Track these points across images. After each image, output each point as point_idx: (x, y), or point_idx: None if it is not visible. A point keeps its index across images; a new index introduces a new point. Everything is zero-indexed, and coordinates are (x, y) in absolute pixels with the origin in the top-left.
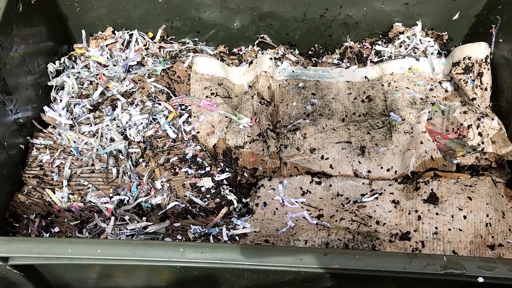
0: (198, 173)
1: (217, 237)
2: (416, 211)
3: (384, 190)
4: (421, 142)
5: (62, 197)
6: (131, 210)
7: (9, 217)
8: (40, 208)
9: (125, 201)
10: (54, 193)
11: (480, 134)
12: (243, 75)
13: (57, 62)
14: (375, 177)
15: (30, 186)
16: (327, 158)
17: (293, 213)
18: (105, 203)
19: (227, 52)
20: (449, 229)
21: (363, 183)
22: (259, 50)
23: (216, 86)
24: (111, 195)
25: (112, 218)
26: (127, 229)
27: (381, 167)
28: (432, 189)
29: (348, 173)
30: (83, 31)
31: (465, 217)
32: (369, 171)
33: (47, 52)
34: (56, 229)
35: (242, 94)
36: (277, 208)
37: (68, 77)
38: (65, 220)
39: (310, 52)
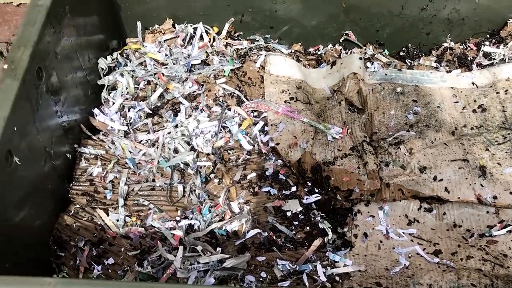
0: (283, 193)
1: (311, 276)
2: None
3: None
4: None
5: (118, 220)
6: (203, 238)
7: (53, 244)
8: (91, 233)
9: (195, 227)
10: (108, 215)
11: None
12: (323, 78)
13: (109, 58)
14: (503, 205)
15: (78, 206)
16: (441, 180)
17: (403, 248)
18: (171, 228)
19: (303, 52)
20: None
21: (487, 212)
22: (341, 49)
23: (294, 89)
24: (177, 218)
25: (180, 248)
26: (199, 262)
27: (510, 192)
28: None
29: (469, 198)
30: (139, 23)
31: None
32: (494, 197)
33: (97, 45)
34: (111, 261)
35: (323, 100)
36: (381, 241)
37: (122, 75)
38: (122, 249)
39: (402, 53)
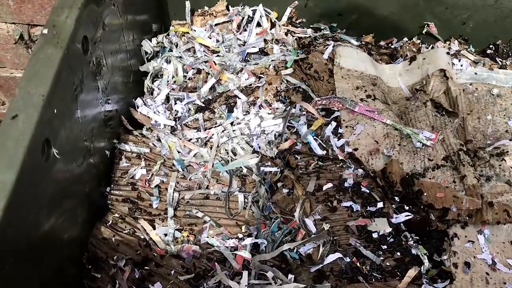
0: (367, 210)
1: None
2: None
3: None
4: None
5: (166, 235)
6: (271, 262)
7: (87, 262)
8: (133, 251)
9: (262, 247)
10: (154, 228)
11: None
12: (399, 75)
13: (154, 40)
14: None
15: (117, 215)
16: None
17: None
18: (233, 248)
19: (375, 45)
20: None
21: None
22: (420, 43)
23: (371, 86)
24: (240, 235)
25: (244, 273)
26: None
27: None
28: None
29: None
30: (187, 3)
31: None
32: None
33: (141, 25)
34: (158, 286)
35: (402, 100)
36: (487, 273)
37: (168, 61)
38: (171, 271)
39: (489, 51)
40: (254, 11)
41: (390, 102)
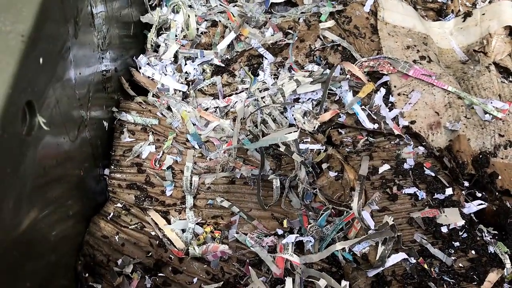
0: (434, 198)
1: None
2: None
3: None
4: None
5: (184, 231)
6: (319, 265)
7: (83, 270)
8: (143, 252)
9: (308, 247)
10: (169, 222)
11: None
12: (450, 34)
13: None
14: None
15: (120, 205)
16: None
17: None
18: (270, 247)
19: None
20: None
21: None
22: None
23: (423, 46)
24: (279, 231)
25: (288, 280)
26: None
27: None
28: None
29: None
30: None
31: None
32: None
33: None
34: None
35: (456, 63)
36: None
37: (177, 11)
38: (194, 279)
39: None
40: None
41: (443, 66)
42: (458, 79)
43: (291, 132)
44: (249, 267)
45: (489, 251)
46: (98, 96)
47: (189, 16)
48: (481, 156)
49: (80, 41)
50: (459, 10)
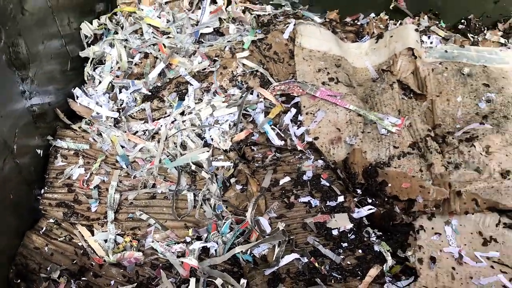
0: (327, 205)
1: None
2: None
3: None
4: None
5: (106, 241)
6: (222, 266)
7: (15, 277)
8: (69, 260)
9: (212, 250)
10: (93, 234)
11: None
12: (365, 54)
13: (95, 22)
14: None
15: (52, 221)
16: None
17: (484, 278)
18: (179, 253)
19: (340, 22)
20: None
21: None
22: (388, 19)
23: (334, 68)
24: (188, 238)
25: (192, 280)
26: None
27: None
28: None
29: None
30: None
31: None
32: None
33: (80, 6)
34: None
35: (368, 82)
36: (453, 268)
37: (112, 45)
38: (111, 282)
39: (460, 26)
40: None
41: (355, 84)
42: (367, 96)
43: (203, 152)
44: (161, 270)
45: (374, 250)
46: (28, 128)
47: (121, 51)
48: (370, 167)
49: (1, 87)
50: (373, 32)
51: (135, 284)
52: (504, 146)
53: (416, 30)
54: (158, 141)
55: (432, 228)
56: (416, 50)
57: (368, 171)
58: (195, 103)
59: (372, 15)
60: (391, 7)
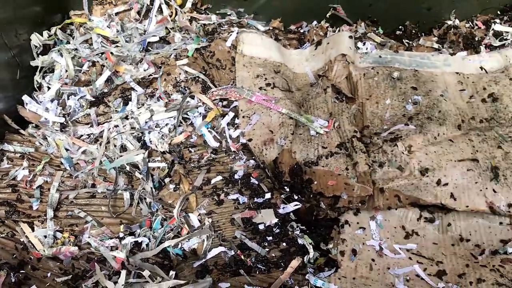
0: (254, 202)
1: None
2: None
3: None
4: None
5: (45, 237)
6: (153, 259)
7: None
8: (9, 254)
9: (144, 245)
10: (33, 230)
11: None
12: (306, 60)
13: (45, 33)
14: None
15: None
16: (446, 184)
17: (399, 268)
18: (112, 247)
19: (283, 30)
20: None
21: (501, 223)
22: (328, 27)
23: (272, 74)
24: (121, 234)
25: (123, 272)
26: None
27: None
28: None
29: (480, 207)
30: None
31: None
32: (509, 205)
33: (30, 18)
34: None
35: (306, 86)
36: (373, 260)
37: (61, 55)
38: (48, 274)
39: (398, 32)
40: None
41: (294, 89)
42: (303, 100)
43: (138, 154)
44: (95, 263)
45: (298, 243)
46: None
47: (67, 60)
48: (295, 166)
49: None
50: (313, 39)
51: (70, 276)
52: (425, 145)
53: (350, 37)
54: (100, 144)
55: (358, 223)
56: (348, 56)
57: (293, 170)
58: (138, 108)
59: (315, 23)
60: (327, 15)
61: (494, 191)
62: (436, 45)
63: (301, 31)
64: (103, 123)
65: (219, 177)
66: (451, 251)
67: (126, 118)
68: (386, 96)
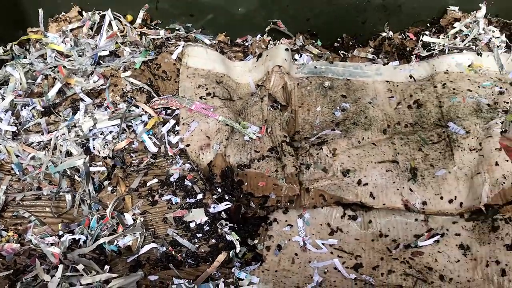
0: (186, 202)
1: None
2: (498, 262)
3: (447, 230)
4: (497, 164)
5: None
6: (89, 255)
7: None
8: None
9: (81, 242)
10: None
11: None
12: (249, 71)
13: (0, 49)
14: (432, 211)
15: None
16: (366, 184)
17: (319, 262)
18: (52, 244)
19: (229, 43)
20: None
21: (416, 220)
22: (270, 40)
23: (213, 84)
24: (61, 232)
25: (60, 266)
26: (80, 284)
27: (441, 197)
28: None
29: (396, 205)
30: (40, 11)
31: None
32: (424, 203)
33: None
34: None
35: (247, 96)
36: (296, 254)
37: (14, 68)
38: None
39: (336, 44)
40: (103, 16)
41: (235, 98)
42: (243, 108)
43: (79, 159)
44: (36, 259)
45: (226, 239)
46: None
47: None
48: (226, 169)
49: None
50: (255, 52)
51: (12, 271)
52: (349, 148)
53: (287, 49)
54: (48, 151)
55: (286, 221)
56: (283, 67)
57: (224, 172)
58: (84, 117)
59: (259, 36)
60: (266, 29)
61: (411, 190)
62: (370, 56)
63: (246, 44)
64: (53, 132)
65: (155, 180)
66: (370, 246)
67: (75, 126)
68: (317, 103)
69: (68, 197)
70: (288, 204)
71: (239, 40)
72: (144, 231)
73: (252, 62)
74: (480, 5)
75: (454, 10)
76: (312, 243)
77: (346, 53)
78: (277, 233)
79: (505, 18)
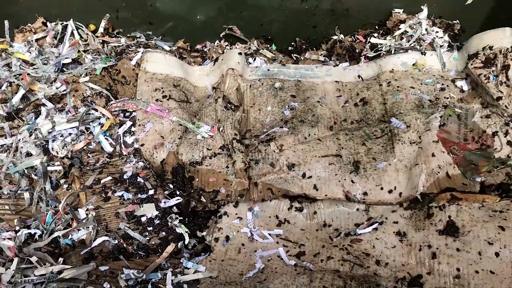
0: (138, 198)
1: (157, 286)
2: (430, 246)
3: (386, 218)
4: (433, 155)
5: None
6: (44, 249)
7: None
8: None
9: (37, 236)
10: None
11: (509, 143)
12: (207, 75)
13: None
14: (373, 201)
15: None
16: (310, 177)
17: (264, 251)
18: (9, 239)
19: (188, 49)
20: (476, 271)
21: (357, 209)
22: (227, 45)
23: (170, 87)
24: (17, 227)
25: (15, 259)
26: (34, 275)
27: (381, 188)
28: (449, 216)
29: (337, 196)
30: (6, 22)
31: (497, 254)
32: (365, 193)
33: None
34: None
35: (204, 98)
36: (243, 244)
37: None
38: None
39: (290, 48)
40: (66, 26)
41: (193, 100)
42: (199, 109)
43: (36, 159)
44: None
45: (176, 232)
46: None
47: None
48: (177, 166)
49: None
50: (213, 57)
51: None
52: (295, 144)
53: (240, 53)
54: (9, 152)
55: (236, 214)
56: (236, 70)
57: (175, 169)
58: (44, 121)
59: (217, 42)
60: (221, 35)
61: (352, 182)
62: (322, 58)
63: (205, 50)
64: (16, 135)
65: (109, 178)
66: (314, 235)
67: (36, 130)
68: (268, 103)
69: (27, 195)
70: (239, 198)
71: (198, 46)
72: (96, 225)
73: (210, 66)
74: (422, 7)
75: (398, 13)
76: (259, 234)
77: (299, 56)
78: (226, 225)
79: (448, 19)
